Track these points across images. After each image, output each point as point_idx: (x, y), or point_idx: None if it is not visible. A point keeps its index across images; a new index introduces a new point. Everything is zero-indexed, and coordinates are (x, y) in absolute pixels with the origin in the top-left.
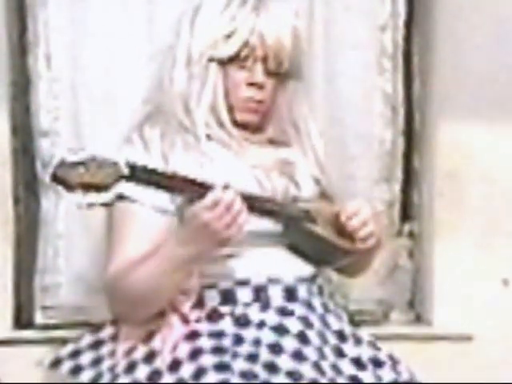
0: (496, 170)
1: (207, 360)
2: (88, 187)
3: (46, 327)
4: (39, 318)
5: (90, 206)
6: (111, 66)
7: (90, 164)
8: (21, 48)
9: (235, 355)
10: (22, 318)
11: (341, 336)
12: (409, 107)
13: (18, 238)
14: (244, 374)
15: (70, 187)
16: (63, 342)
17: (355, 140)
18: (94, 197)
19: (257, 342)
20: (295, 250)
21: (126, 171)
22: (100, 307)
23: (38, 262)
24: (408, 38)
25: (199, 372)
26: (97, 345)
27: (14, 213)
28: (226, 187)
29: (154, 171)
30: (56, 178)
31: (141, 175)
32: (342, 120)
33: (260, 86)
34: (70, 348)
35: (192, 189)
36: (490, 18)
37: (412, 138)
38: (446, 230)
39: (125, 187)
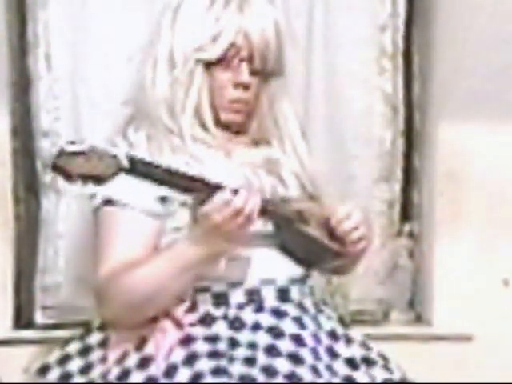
0: (496, 169)
1: (204, 365)
2: (87, 178)
3: (46, 327)
4: (39, 317)
5: (91, 197)
6: (111, 67)
7: (90, 155)
8: (21, 48)
9: (232, 359)
10: (22, 318)
11: (333, 336)
12: (409, 107)
13: (18, 238)
14: (242, 378)
15: (69, 177)
16: (63, 342)
17: (355, 140)
18: (92, 188)
19: (253, 345)
20: (286, 250)
21: (125, 164)
22: None
23: (38, 262)
24: (408, 38)
25: (196, 377)
26: (85, 351)
27: (14, 213)
28: (235, 192)
29: (153, 165)
30: (56, 168)
31: (140, 168)
32: (342, 120)
33: (246, 86)
34: (57, 354)
35: (191, 184)
36: (490, 18)
37: (412, 137)
38: (446, 230)
39: (112, 191)
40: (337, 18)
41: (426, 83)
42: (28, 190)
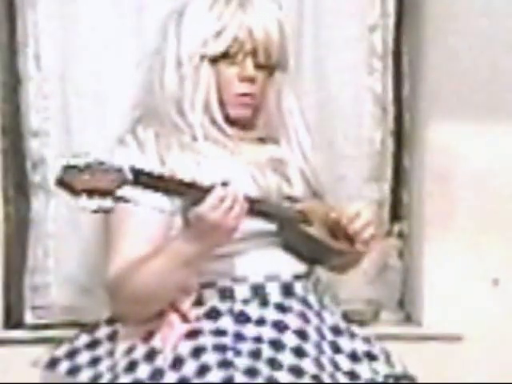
0: (485, 169)
1: (210, 357)
2: (93, 192)
3: (35, 327)
4: (29, 317)
5: (95, 211)
6: (101, 67)
7: (95, 169)
8: (10, 48)
9: (237, 352)
10: (12, 318)
11: (336, 331)
12: (398, 107)
13: (7, 238)
14: (247, 371)
15: (75, 192)
16: (53, 341)
17: (345, 140)
18: (98, 202)
19: (258, 339)
20: (290, 249)
21: (130, 177)
22: (90, 307)
23: (27, 262)
24: (398, 39)
25: (203, 369)
26: (93, 344)
27: (4, 213)
28: (224, 184)
29: (157, 176)
30: (61, 183)
31: (145, 181)
32: (332, 120)
33: (251, 80)
34: (66, 348)
35: (196, 193)
36: (480, 18)
37: (402, 137)
38: (436, 230)
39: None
40: (326, 18)
41: (415, 83)
42: (17, 190)
